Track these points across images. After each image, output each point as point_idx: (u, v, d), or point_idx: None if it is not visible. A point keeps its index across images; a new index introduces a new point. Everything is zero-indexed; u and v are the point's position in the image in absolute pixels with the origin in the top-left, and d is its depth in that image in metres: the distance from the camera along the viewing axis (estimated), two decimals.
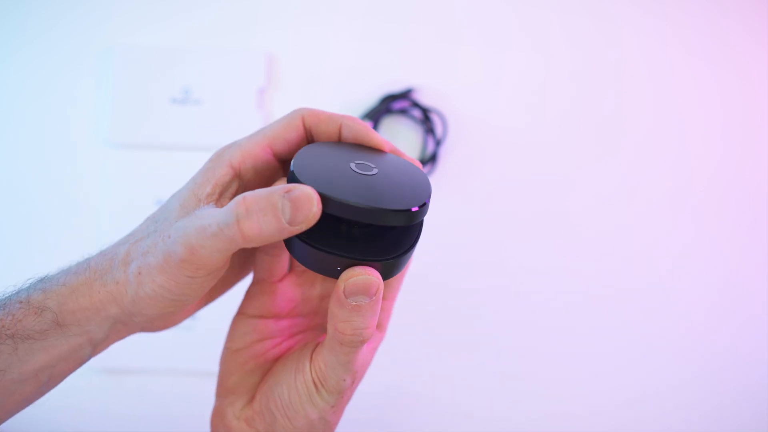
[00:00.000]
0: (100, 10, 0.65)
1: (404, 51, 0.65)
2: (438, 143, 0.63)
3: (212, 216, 0.27)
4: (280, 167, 0.35)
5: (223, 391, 0.35)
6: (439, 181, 0.64)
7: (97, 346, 0.32)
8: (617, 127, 0.64)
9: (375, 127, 0.63)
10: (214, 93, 0.64)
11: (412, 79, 0.64)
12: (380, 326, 0.35)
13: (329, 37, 0.65)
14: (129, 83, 0.64)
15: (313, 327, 0.37)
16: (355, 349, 0.30)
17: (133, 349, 0.62)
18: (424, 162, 0.63)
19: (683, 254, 0.63)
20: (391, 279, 0.33)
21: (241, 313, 0.36)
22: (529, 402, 0.63)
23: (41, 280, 0.31)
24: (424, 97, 0.64)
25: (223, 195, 0.31)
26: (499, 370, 0.63)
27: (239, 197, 0.27)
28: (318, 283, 0.36)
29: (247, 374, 0.35)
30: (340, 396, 0.32)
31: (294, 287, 0.36)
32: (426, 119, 0.63)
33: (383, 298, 0.34)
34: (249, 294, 0.36)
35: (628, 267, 0.63)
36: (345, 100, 0.64)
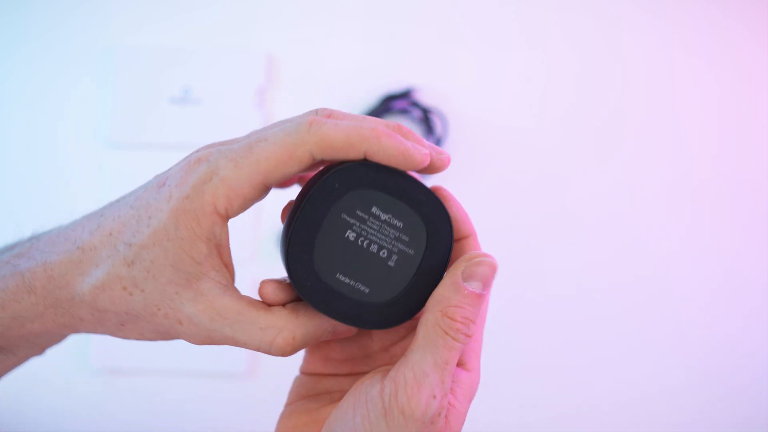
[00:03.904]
0: (101, 11, 0.65)
1: (404, 51, 0.64)
2: (438, 143, 0.63)
3: (265, 329, 0.27)
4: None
5: None
6: (438, 181, 0.64)
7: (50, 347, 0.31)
8: (617, 127, 0.64)
9: None
10: (214, 93, 0.64)
11: (412, 79, 0.64)
12: (471, 367, 0.29)
13: (329, 37, 0.65)
14: (129, 83, 0.64)
15: None
16: (458, 344, 0.26)
17: (133, 349, 0.62)
18: None
19: (688, 254, 0.63)
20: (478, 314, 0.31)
21: (300, 372, 0.34)
22: (528, 402, 0.63)
23: None
24: (424, 97, 0.64)
25: (219, 250, 0.28)
26: (500, 371, 0.63)
27: (290, 339, 0.28)
28: (377, 336, 0.34)
29: (299, 428, 0.32)
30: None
31: (350, 342, 0.34)
32: (426, 119, 0.63)
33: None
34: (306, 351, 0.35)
35: (630, 267, 0.63)
36: (345, 100, 0.64)
